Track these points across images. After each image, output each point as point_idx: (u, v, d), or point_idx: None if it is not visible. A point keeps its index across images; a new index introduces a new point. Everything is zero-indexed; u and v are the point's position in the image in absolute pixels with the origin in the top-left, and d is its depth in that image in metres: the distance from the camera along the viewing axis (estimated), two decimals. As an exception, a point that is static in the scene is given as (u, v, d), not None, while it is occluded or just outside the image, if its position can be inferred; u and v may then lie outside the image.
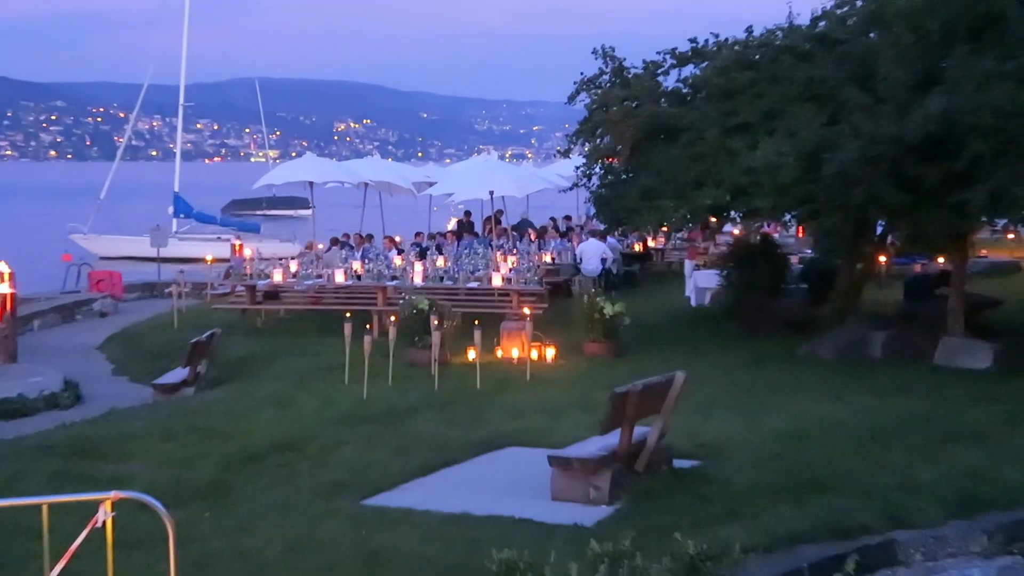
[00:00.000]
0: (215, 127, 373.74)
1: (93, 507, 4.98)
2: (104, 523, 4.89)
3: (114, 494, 4.99)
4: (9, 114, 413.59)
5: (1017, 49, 19.09)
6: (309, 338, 23.56)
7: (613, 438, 12.88)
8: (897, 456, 14.17)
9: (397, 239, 36.34)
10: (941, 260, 25.79)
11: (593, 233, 33.76)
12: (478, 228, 39.45)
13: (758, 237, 28.20)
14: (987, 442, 14.85)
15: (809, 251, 29.84)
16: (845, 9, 22.17)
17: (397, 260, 29.97)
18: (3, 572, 5.16)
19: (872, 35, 21.07)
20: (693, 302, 29.21)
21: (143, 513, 5.04)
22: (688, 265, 31.22)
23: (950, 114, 18.71)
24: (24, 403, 19.40)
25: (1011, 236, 37.70)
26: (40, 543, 5.05)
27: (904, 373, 19.60)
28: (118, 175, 55.83)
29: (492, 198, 37.18)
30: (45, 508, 5.07)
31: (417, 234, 38.31)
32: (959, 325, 21.60)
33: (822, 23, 22.30)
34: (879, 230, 23.37)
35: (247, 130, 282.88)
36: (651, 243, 38.21)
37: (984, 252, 35.00)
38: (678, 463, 13.64)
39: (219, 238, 43.79)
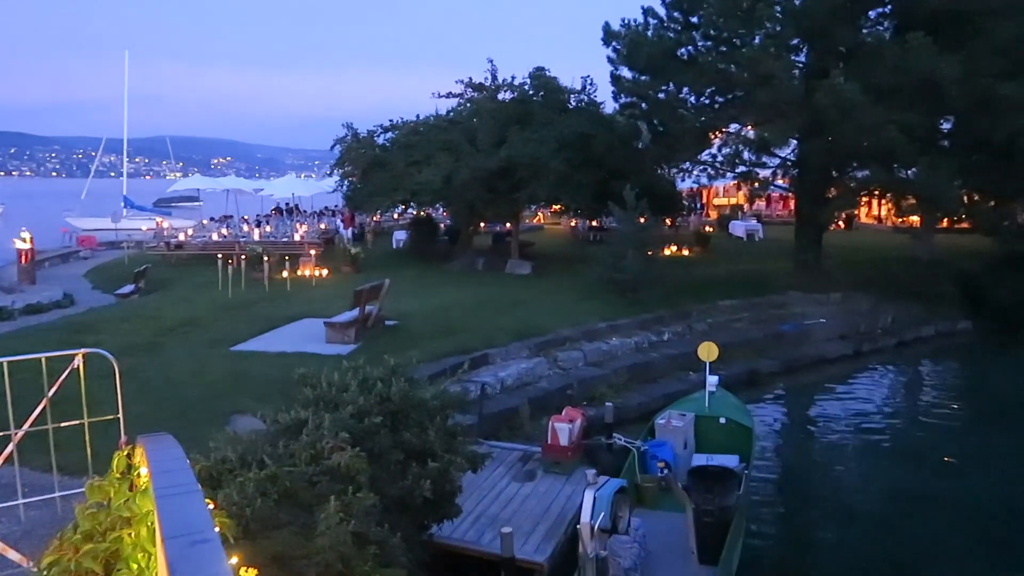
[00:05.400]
0: (146, 160, 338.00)
1: (73, 358, 4.46)
2: (79, 367, 4.39)
3: (83, 351, 4.47)
4: (27, 153, 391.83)
5: (538, 130, 19.69)
6: (200, 269, 21.75)
7: (356, 312, 12.68)
8: (489, 314, 14.59)
9: (245, 217, 34.42)
10: (508, 224, 26.40)
11: (343, 213, 32.81)
12: (285, 212, 37.51)
13: (426, 215, 27.92)
14: (529, 307, 15.49)
15: (449, 221, 29.80)
16: (463, 107, 22.20)
17: (245, 228, 28.54)
18: (26, 392, 4.54)
19: (475, 120, 21.17)
20: (394, 246, 28.69)
21: (104, 360, 4.54)
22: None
23: (510, 157, 19.17)
24: (41, 306, 17.14)
25: (541, 213, 38.90)
26: (43, 378, 4.50)
27: (492, 277, 20.06)
28: (92, 186, 51.33)
29: (293, 196, 35.92)
30: (43, 360, 4.48)
31: (258, 215, 36.21)
32: (517, 254, 22.32)
33: (451, 113, 22.23)
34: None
35: (164, 162, 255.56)
36: (373, 219, 37.20)
37: (528, 221, 36.17)
38: (388, 323, 13.54)
39: (150, 218, 39.60)
